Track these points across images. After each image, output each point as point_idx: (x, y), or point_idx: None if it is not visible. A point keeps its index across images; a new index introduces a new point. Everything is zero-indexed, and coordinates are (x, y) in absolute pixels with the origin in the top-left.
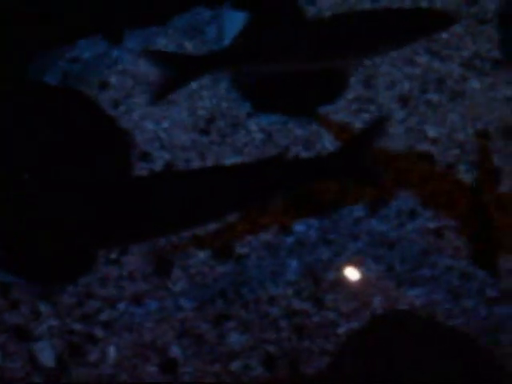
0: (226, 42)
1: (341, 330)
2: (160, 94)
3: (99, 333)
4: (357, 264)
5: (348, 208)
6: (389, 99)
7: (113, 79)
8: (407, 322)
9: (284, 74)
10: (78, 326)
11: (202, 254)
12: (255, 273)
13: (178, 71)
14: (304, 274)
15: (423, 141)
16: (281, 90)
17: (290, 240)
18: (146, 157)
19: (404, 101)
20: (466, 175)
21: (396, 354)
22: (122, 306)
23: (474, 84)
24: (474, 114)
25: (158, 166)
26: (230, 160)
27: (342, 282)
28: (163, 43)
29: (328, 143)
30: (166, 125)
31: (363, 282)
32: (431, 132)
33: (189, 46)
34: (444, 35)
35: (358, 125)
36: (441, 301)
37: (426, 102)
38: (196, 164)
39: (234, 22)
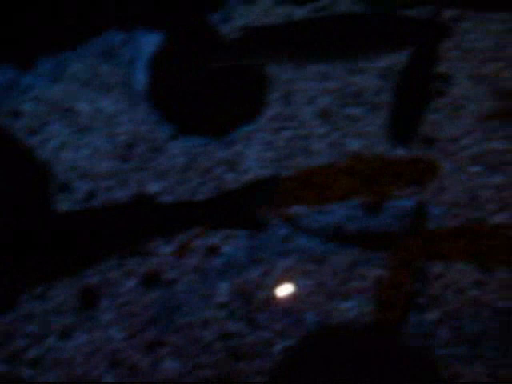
0: (141, 63)
1: (276, 349)
2: None
3: (27, 372)
4: (287, 281)
5: (275, 225)
6: (309, 115)
7: (26, 107)
8: (342, 336)
9: (203, 95)
10: (3, 368)
11: (129, 283)
12: (186, 297)
13: None
14: (235, 294)
15: (346, 154)
16: (201, 111)
17: (218, 261)
18: (65, 187)
19: (324, 116)
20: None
21: (334, 369)
22: (49, 341)
23: (387, 96)
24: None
25: (79, 196)
26: (152, 186)
27: (274, 300)
28: (79, 67)
29: (253, 163)
30: (85, 153)
31: (295, 298)
32: (353, 145)
33: (105, 69)
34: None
35: (280, 142)
36: (372, 311)
37: (347, 115)
38: (118, 192)
39: (148, 42)
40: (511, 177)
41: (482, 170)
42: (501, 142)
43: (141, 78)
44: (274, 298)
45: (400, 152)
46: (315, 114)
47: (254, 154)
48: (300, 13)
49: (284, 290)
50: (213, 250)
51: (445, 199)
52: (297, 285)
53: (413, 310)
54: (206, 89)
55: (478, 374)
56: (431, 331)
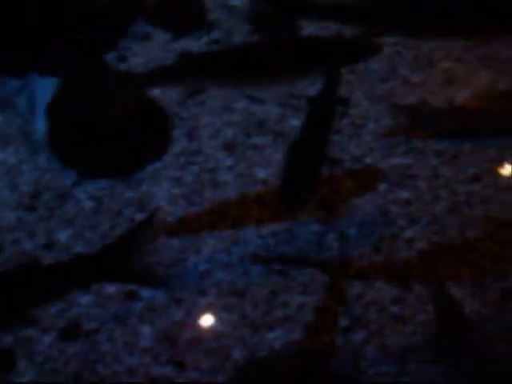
0: (39, 111)
1: None
2: None
3: None
4: (211, 318)
5: (192, 262)
6: (215, 148)
7: None
8: (271, 366)
9: (105, 137)
10: None
11: (46, 338)
12: (108, 346)
13: None
14: (159, 338)
15: (254, 184)
16: (104, 154)
17: (138, 306)
18: None
19: (230, 148)
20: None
21: None
22: None
23: (293, 122)
24: None
25: None
26: (61, 234)
27: (199, 339)
28: None
29: (162, 201)
30: None
31: (220, 335)
32: (261, 174)
33: (0, 120)
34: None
35: (188, 178)
36: (300, 339)
37: (251, 145)
38: (26, 243)
39: (45, 89)
40: (417, 191)
41: (388, 186)
42: (403, 158)
43: (39, 127)
44: (198, 337)
45: None
46: (220, 147)
47: (162, 192)
48: (195, 47)
49: (208, 327)
50: (131, 295)
51: (357, 218)
52: (220, 321)
53: (339, 332)
54: (108, 131)
55: None
56: (359, 352)
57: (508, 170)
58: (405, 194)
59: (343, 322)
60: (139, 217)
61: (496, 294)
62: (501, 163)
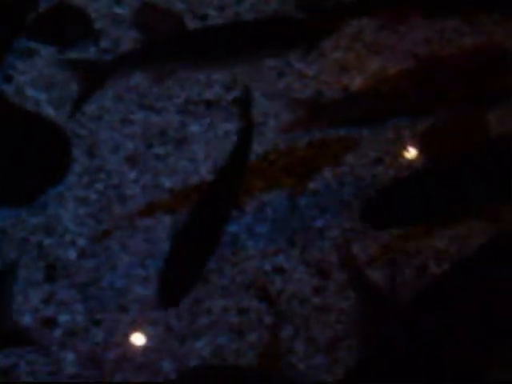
0: None
1: None
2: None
3: None
4: (135, 334)
5: (108, 280)
6: (117, 163)
7: None
8: (203, 376)
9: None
10: None
11: None
12: (31, 379)
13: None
14: (83, 362)
15: (162, 194)
16: (2, 182)
17: (57, 333)
18: None
19: (132, 161)
20: None
21: None
22: None
23: (194, 128)
24: (201, 155)
25: None
26: None
27: (126, 357)
28: None
29: (69, 223)
30: None
31: (147, 350)
32: (167, 183)
33: None
34: (154, 89)
35: (94, 196)
36: (227, 343)
37: (154, 156)
38: None
39: None
40: (323, 180)
41: (295, 179)
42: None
43: None
44: (125, 355)
45: None
46: (123, 161)
47: (68, 214)
48: (86, 55)
49: (133, 344)
50: (49, 323)
51: (268, 215)
52: (146, 336)
53: (265, 330)
54: (4, 158)
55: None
56: (289, 348)
57: (407, 149)
58: (312, 185)
59: (268, 319)
60: (48, 242)
61: (409, 269)
62: (399, 144)
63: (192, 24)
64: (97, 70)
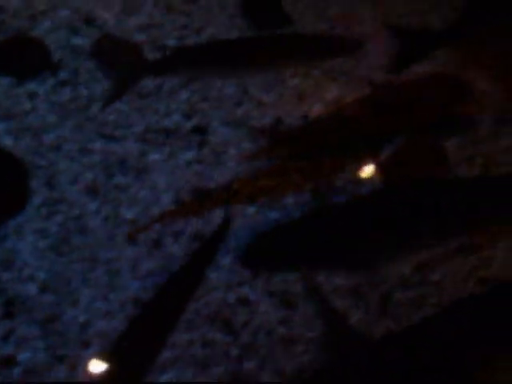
0: None
1: None
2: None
3: None
4: (98, 369)
5: (70, 316)
6: (77, 194)
7: None
8: None
9: None
10: None
11: None
12: None
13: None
14: None
15: (123, 225)
16: None
17: (16, 372)
18: None
19: (93, 191)
20: (173, 247)
21: None
22: None
23: (154, 157)
24: (162, 185)
25: None
26: None
27: None
28: None
29: (28, 256)
30: None
31: None
32: (128, 214)
33: None
34: (111, 116)
35: (53, 228)
36: (192, 377)
37: (115, 186)
38: None
39: None
40: (284, 209)
41: (256, 208)
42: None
43: None
44: None
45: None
46: (83, 192)
47: (28, 247)
48: (42, 89)
49: (98, 379)
50: (8, 362)
51: (231, 245)
52: (110, 371)
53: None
54: None
55: None
56: (255, 380)
57: (367, 175)
58: (273, 215)
59: (234, 351)
60: (5, 276)
61: (376, 298)
62: (359, 170)
63: (152, 55)
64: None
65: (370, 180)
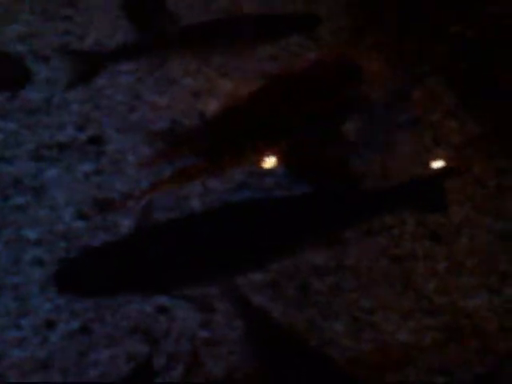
0: None
1: None
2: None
3: None
4: None
5: None
6: None
7: None
8: None
9: None
10: None
11: None
12: None
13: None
14: None
15: (27, 247)
16: None
17: None
18: None
19: None
20: None
21: None
22: None
23: (51, 173)
24: (62, 201)
25: None
26: None
27: None
28: None
29: None
30: None
31: None
32: (31, 235)
33: None
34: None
35: None
36: None
37: (13, 207)
38: None
39: None
40: (192, 210)
41: (162, 212)
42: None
43: None
44: None
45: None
46: None
47: None
48: None
49: None
50: None
51: None
52: None
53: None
54: None
55: None
56: None
57: (271, 169)
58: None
59: (159, 361)
60: None
61: (293, 289)
62: (263, 165)
63: (34, 67)
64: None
65: (272, 172)
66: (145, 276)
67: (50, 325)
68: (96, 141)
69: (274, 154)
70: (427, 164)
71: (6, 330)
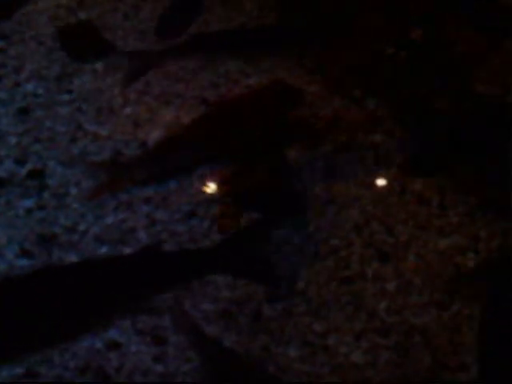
0: None
1: None
2: None
3: None
4: None
5: None
6: None
7: None
8: None
9: None
10: None
11: None
12: None
13: None
14: None
15: None
16: None
17: None
18: None
19: None
20: None
21: None
22: None
23: None
24: (4, 240)
25: None
26: None
27: None
28: None
29: None
30: None
31: None
32: None
33: None
34: None
35: None
36: None
37: None
38: None
39: None
40: (137, 243)
41: (108, 248)
42: (115, 215)
43: None
44: None
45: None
46: None
47: None
48: None
49: None
50: None
51: None
52: None
53: None
54: None
55: None
56: None
57: (217, 196)
58: (128, 251)
59: None
60: None
61: (247, 318)
62: (208, 192)
63: None
64: None
65: (219, 199)
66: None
67: None
68: (37, 174)
69: (220, 181)
70: (370, 185)
71: None
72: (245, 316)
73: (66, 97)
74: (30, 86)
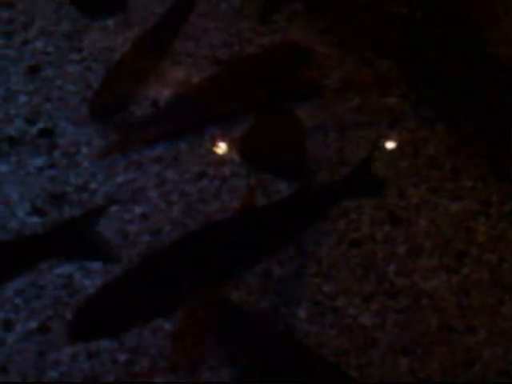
0: None
1: None
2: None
3: None
4: None
5: None
6: None
7: None
8: None
9: None
10: None
11: None
12: None
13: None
14: None
15: None
16: None
17: None
18: None
19: None
20: None
21: None
22: None
23: (1, 168)
24: (15, 197)
25: None
26: None
27: None
28: None
29: None
30: None
31: None
32: None
33: None
34: None
35: None
36: None
37: None
38: None
39: None
40: (149, 202)
41: (120, 206)
42: (125, 174)
43: None
44: None
45: None
46: None
47: None
48: None
49: None
50: None
51: None
52: None
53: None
54: None
55: None
56: None
57: (228, 156)
58: (139, 209)
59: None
60: None
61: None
62: (219, 152)
63: None
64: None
65: (229, 160)
66: None
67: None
68: (47, 133)
69: (229, 141)
70: (383, 147)
71: None
72: (255, 275)
73: (76, 55)
74: (39, 44)
